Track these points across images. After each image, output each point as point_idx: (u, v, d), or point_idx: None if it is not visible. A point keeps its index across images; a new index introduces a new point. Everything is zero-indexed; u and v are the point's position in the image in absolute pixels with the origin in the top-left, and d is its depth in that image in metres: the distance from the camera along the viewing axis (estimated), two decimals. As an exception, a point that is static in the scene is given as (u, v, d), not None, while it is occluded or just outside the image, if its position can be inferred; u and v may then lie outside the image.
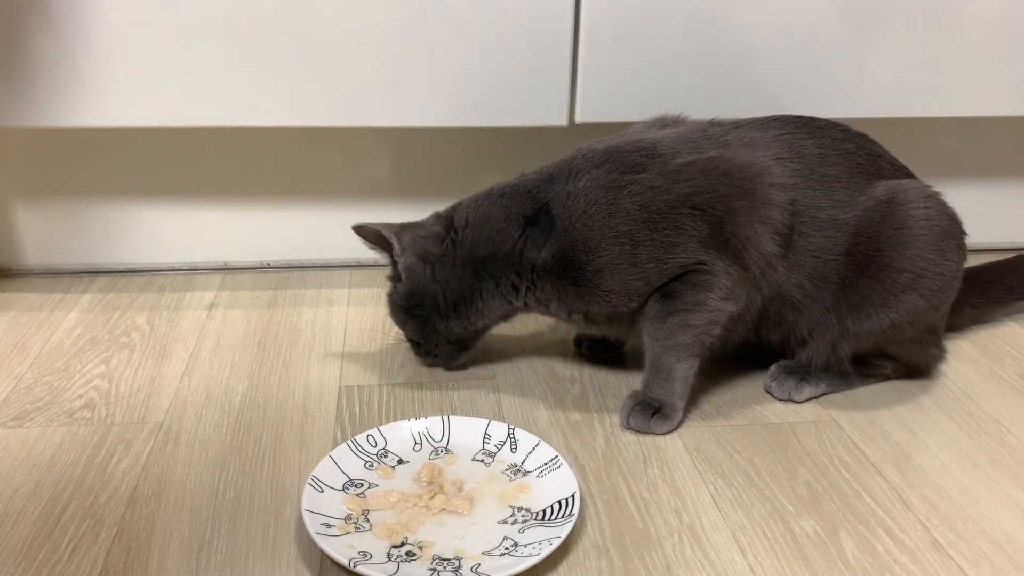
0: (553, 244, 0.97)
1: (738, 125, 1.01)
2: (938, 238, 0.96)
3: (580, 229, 0.95)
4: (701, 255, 0.94)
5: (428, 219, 1.05)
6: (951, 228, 0.98)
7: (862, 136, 1.02)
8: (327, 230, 1.38)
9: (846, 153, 0.99)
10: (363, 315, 1.24)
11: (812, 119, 1.02)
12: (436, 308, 1.02)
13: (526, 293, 1.01)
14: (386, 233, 1.03)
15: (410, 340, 1.09)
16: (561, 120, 1.21)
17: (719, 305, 0.95)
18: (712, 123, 1.03)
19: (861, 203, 0.97)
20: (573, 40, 1.17)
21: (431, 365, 1.10)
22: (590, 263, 0.95)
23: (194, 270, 1.38)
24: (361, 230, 1.04)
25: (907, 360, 1.06)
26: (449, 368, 1.09)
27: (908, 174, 1.03)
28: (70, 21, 1.10)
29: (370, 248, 1.06)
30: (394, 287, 1.06)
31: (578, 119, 1.21)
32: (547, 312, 1.03)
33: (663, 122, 1.07)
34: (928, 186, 1.00)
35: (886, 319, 0.98)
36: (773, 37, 1.19)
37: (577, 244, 0.95)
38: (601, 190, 0.95)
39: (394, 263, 1.05)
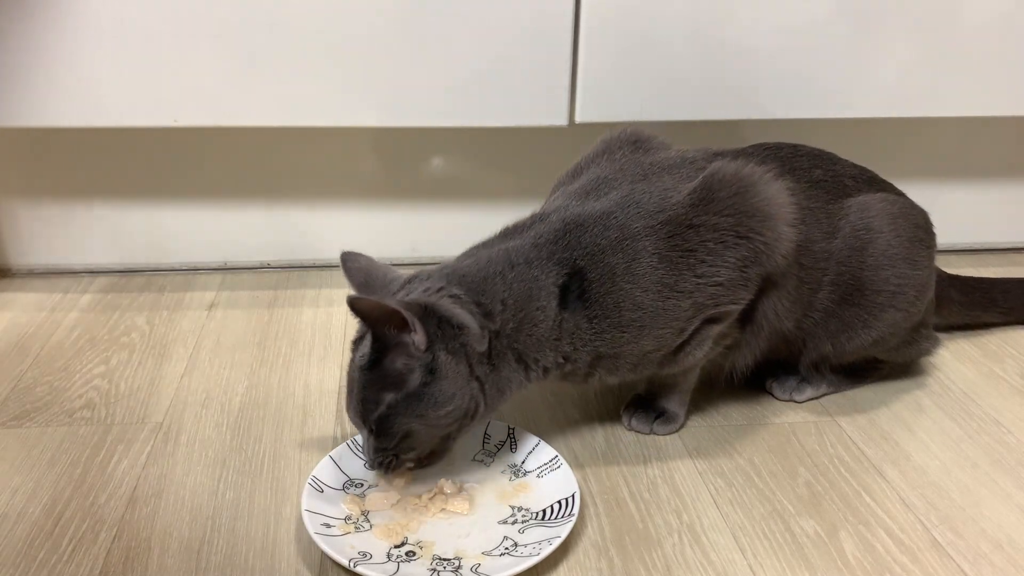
0: (590, 308, 0.85)
1: (718, 157, 0.96)
2: (908, 251, 0.97)
3: (626, 288, 0.85)
4: (740, 291, 0.88)
5: (436, 298, 0.82)
6: (918, 234, 0.99)
7: (820, 155, 1.01)
8: (327, 230, 1.39)
9: (817, 182, 0.98)
10: (363, 315, 1.24)
11: (777, 146, 1.00)
12: (467, 412, 0.83)
13: (557, 369, 0.88)
14: (407, 315, 0.78)
15: (391, 457, 0.84)
16: (561, 120, 1.21)
17: (730, 331, 0.94)
18: (699, 158, 0.95)
19: (840, 229, 0.96)
20: (573, 40, 1.17)
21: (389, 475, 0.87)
22: (635, 321, 0.85)
23: (194, 270, 1.38)
24: (359, 304, 0.79)
25: (902, 360, 1.07)
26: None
27: (869, 179, 1.01)
28: (70, 21, 1.10)
29: (366, 328, 0.82)
30: (383, 389, 0.81)
31: (578, 119, 1.21)
32: (566, 379, 0.91)
33: (634, 138, 1.01)
34: (896, 199, 1.00)
35: (868, 338, 0.98)
36: (773, 37, 1.19)
37: (623, 304, 0.85)
38: (638, 240, 0.85)
39: (378, 351, 0.80)
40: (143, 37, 1.11)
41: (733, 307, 0.90)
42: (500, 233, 0.91)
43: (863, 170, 1.02)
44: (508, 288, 0.83)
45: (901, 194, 1.03)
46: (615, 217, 0.87)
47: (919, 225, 1.00)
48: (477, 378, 0.83)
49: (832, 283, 0.96)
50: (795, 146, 1.01)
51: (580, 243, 0.85)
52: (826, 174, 0.99)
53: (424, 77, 1.17)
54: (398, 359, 0.81)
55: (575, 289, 0.85)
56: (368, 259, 0.90)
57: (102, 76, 1.13)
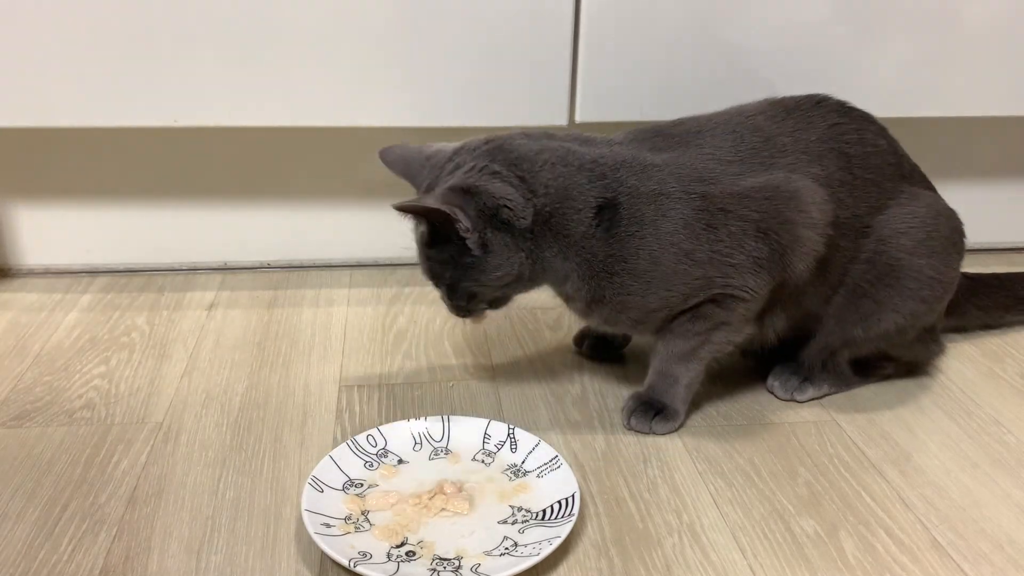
0: (611, 244, 0.90)
1: (789, 113, 0.96)
2: (944, 250, 0.98)
3: (648, 239, 0.89)
4: (750, 279, 0.91)
5: (481, 178, 0.88)
6: (953, 237, 1.00)
7: (885, 130, 1.01)
8: (327, 230, 1.38)
9: (880, 152, 0.98)
10: (363, 315, 1.24)
11: (850, 108, 0.99)
12: (519, 277, 0.91)
13: (571, 282, 0.93)
14: (447, 209, 0.85)
15: (457, 305, 0.95)
16: (561, 120, 1.21)
17: (741, 326, 0.95)
18: (757, 114, 0.97)
19: (888, 208, 0.97)
20: (573, 40, 1.17)
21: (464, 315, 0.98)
22: (646, 273, 0.90)
23: (194, 270, 1.38)
24: (406, 208, 0.88)
25: (908, 359, 1.07)
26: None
27: (922, 175, 1.03)
28: (70, 19, 1.10)
29: (418, 224, 0.92)
30: (445, 263, 0.91)
31: (578, 119, 1.21)
32: (569, 303, 0.97)
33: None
34: (938, 198, 1.01)
35: (892, 324, 0.98)
36: (773, 37, 1.19)
37: (641, 253, 0.90)
38: (671, 200, 0.89)
39: (435, 234, 0.90)
40: (143, 37, 1.11)
41: (742, 294, 0.92)
42: (571, 135, 0.96)
43: (916, 165, 1.03)
44: (555, 178, 0.90)
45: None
46: (659, 171, 0.91)
47: (957, 229, 1.01)
48: (522, 250, 0.90)
49: (868, 260, 0.97)
50: (864, 113, 1.01)
51: (625, 182, 0.90)
52: (890, 147, 1.00)
53: (424, 77, 1.17)
54: (452, 237, 0.89)
55: (607, 218, 0.90)
56: (402, 147, 0.99)
57: (102, 76, 1.13)
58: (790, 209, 0.91)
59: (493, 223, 0.88)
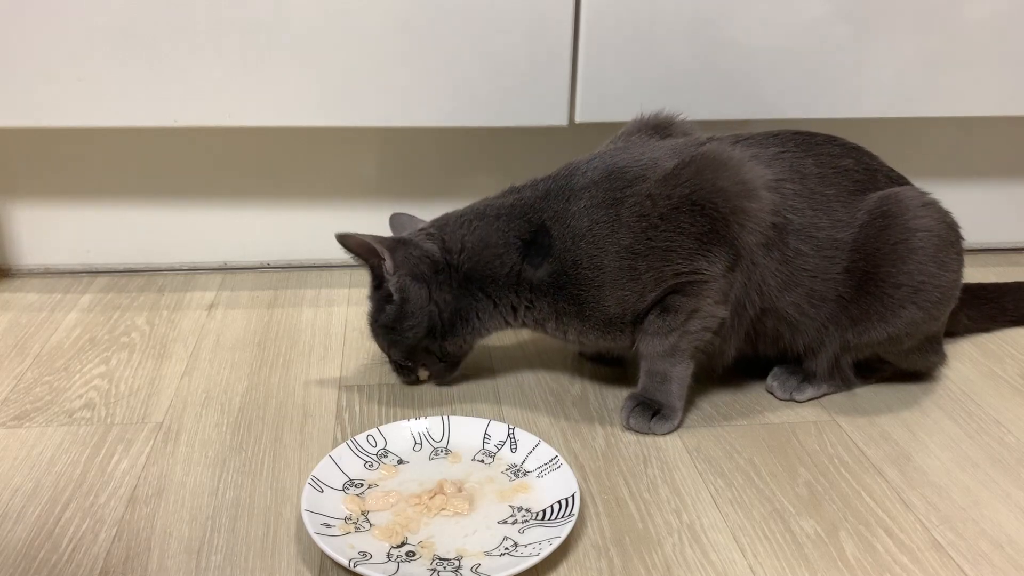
0: (552, 263, 0.95)
1: (737, 140, 0.99)
2: (936, 249, 0.95)
3: (585, 248, 0.93)
4: (699, 261, 0.92)
5: (417, 235, 1.00)
6: (949, 236, 0.97)
7: (858, 149, 1.01)
8: (327, 230, 1.37)
9: (844, 170, 0.98)
10: (363, 315, 1.23)
11: (811, 134, 1.01)
12: (431, 329, 0.99)
13: (524, 313, 0.99)
14: (378, 247, 0.97)
15: (395, 363, 1.04)
16: (561, 120, 1.21)
17: (712, 310, 0.95)
18: (711, 139, 1.00)
19: (858, 219, 0.96)
20: (573, 40, 1.17)
21: (414, 383, 1.06)
22: (593, 280, 0.94)
23: (194, 270, 1.38)
24: (347, 240, 0.98)
25: (907, 367, 1.06)
26: (440, 385, 1.06)
27: (904, 182, 1.01)
28: (70, 19, 1.10)
29: (354, 260, 1.01)
30: (379, 308, 1.01)
31: (578, 119, 1.21)
32: (544, 331, 1.01)
33: (655, 122, 1.06)
34: (924, 193, 0.99)
35: (884, 332, 0.97)
36: (773, 37, 1.19)
37: (581, 262, 0.94)
38: (602, 207, 0.93)
39: (378, 279, 1.00)
40: (143, 37, 1.11)
41: (699, 277, 0.92)
42: (504, 190, 1.02)
43: (902, 176, 1.02)
44: (471, 233, 0.98)
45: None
46: (588, 191, 0.95)
47: (950, 225, 0.98)
48: (435, 302, 0.98)
49: (845, 270, 0.96)
50: (831, 136, 1.01)
51: (549, 208, 0.96)
52: (858, 164, 0.99)
53: (424, 77, 1.17)
54: (385, 285, 0.99)
55: (542, 244, 0.95)
56: (408, 216, 1.09)
57: (102, 76, 1.13)
58: (722, 179, 0.91)
59: (414, 273, 0.98)
